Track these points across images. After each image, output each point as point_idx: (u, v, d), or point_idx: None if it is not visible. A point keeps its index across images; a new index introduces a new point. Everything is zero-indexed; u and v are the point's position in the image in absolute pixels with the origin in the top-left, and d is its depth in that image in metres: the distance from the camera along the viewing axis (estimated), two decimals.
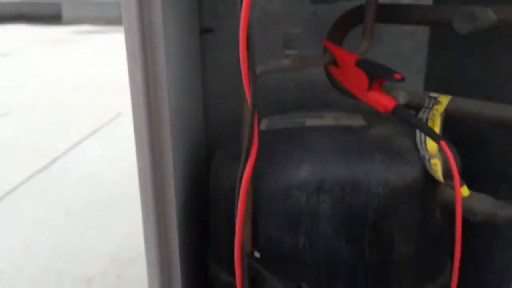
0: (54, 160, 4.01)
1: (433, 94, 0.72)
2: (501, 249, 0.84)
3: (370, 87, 0.67)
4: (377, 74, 0.65)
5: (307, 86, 1.00)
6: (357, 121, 0.79)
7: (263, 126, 0.82)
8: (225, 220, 0.77)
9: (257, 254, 0.73)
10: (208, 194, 0.83)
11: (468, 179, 0.73)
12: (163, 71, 0.61)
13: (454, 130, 0.81)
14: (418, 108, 0.73)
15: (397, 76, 0.62)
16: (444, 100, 0.70)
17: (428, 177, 0.70)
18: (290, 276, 0.73)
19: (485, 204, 0.68)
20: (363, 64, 0.68)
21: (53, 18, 10.43)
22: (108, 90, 5.60)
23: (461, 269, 0.86)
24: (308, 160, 0.70)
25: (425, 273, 0.77)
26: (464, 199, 0.68)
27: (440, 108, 0.69)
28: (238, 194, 0.58)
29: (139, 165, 0.62)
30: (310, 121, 0.80)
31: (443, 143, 0.62)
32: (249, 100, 0.52)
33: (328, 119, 0.80)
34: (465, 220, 0.72)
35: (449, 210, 0.71)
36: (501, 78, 0.81)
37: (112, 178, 3.56)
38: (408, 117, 0.66)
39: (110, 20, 10.01)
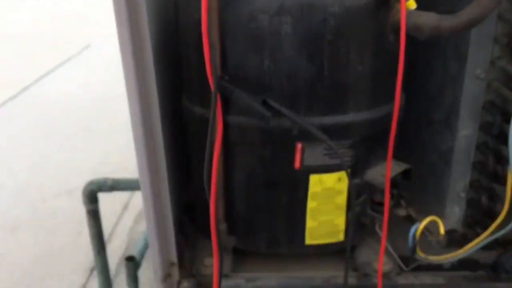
0: (25, 88, 3.97)
1: None
2: (449, 84, 0.92)
3: None
4: None
5: None
6: None
7: None
8: (194, 52, 0.83)
9: (226, 78, 0.80)
10: (179, 35, 0.89)
11: None
12: None
13: None
14: None
15: None
16: None
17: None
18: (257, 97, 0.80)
19: (429, 18, 0.75)
20: None
21: None
22: (76, 20, 5.46)
23: (412, 107, 0.94)
24: None
25: (380, 95, 0.85)
26: (411, 15, 0.75)
27: None
28: None
29: None
30: None
31: None
32: None
33: None
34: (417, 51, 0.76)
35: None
36: None
37: (86, 101, 3.57)
38: None
39: None
